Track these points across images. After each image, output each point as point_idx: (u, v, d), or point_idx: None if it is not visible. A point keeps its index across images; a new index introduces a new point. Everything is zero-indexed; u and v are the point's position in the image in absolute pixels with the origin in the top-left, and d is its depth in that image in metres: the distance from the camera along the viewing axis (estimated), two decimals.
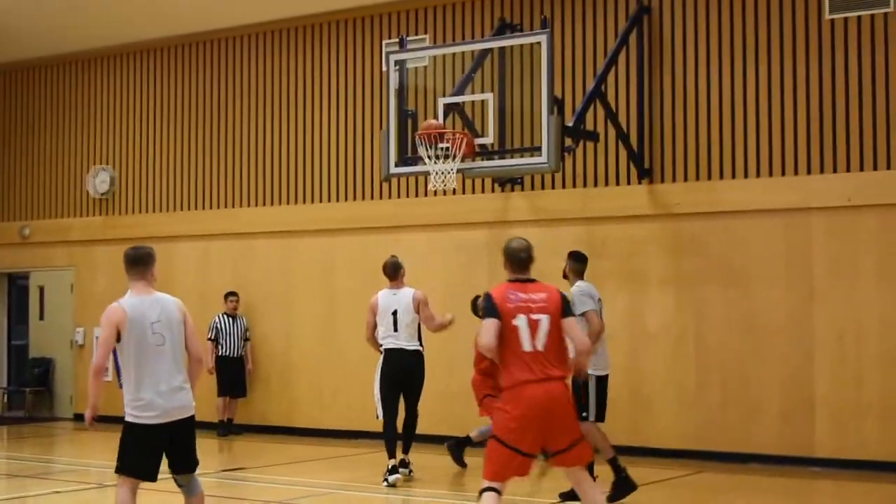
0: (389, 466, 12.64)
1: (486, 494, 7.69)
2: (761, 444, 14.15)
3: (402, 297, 12.91)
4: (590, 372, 11.05)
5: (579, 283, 11.44)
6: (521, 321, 7.81)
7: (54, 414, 20.36)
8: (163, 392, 7.88)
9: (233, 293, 17.86)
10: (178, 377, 7.96)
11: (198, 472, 8.17)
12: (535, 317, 7.85)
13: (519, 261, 8.19)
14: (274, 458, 15.13)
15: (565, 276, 11.67)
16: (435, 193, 15.21)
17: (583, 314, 11.07)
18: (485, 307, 7.93)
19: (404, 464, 12.90)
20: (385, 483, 12.42)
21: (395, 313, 12.85)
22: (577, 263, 11.68)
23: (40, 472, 13.94)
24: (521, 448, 7.72)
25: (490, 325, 7.77)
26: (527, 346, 7.81)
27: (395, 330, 12.82)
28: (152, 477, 7.97)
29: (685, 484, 12.82)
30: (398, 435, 12.87)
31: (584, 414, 11.00)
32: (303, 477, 13.34)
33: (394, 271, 13.09)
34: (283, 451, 15.90)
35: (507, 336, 7.79)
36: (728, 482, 13.05)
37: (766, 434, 14.12)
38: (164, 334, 7.96)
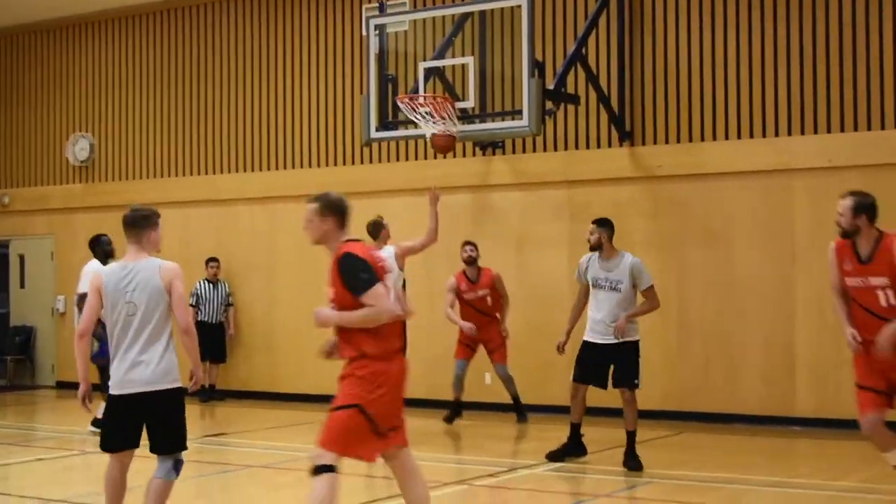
0: None
1: (328, 476, 6.71)
2: (743, 405, 14.22)
3: (385, 258, 12.98)
4: (637, 339, 11.10)
5: (627, 253, 11.26)
6: (389, 282, 7.04)
7: (36, 382, 20.34)
8: (122, 363, 7.55)
9: (213, 259, 17.85)
10: (141, 349, 7.53)
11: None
12: (390, 278, 7.13)
13: (348, 213, 7.15)
14: (256, 423, 15.15)
15: (594, 248, 11.17)
16: (416, 157, 15.21)
17: (648, 288, 11.07)
18: (367, 274, 6.87)
19: None
20: None
21: None
22: (612, 231, 11.23)
23: (23, 440, 13.94)
24: (387, 425, 6.93)
25: (384, 290, 6.84)
26: (397, 311, 6.99)
27: None
28: (112, 448, 7.70)
29: (668, 444, 12.87)
30: None
31: (636, 381, 11.10)
32: (285, 441, 13.37)
33: (374, 230, 13.27)
34: (265, 415, 15.92)
35: None
36: (711, 442, 13.11)
37: (748, 394, 14.18)
38: (136, 304, 7.56)
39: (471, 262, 14.24)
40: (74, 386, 15.07)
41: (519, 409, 14.50)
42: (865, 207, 8.31)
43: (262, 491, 10.00)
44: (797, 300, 13.87)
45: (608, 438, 12.24)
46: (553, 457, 11.40)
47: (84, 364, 7.80)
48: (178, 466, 7.68)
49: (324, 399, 16.86)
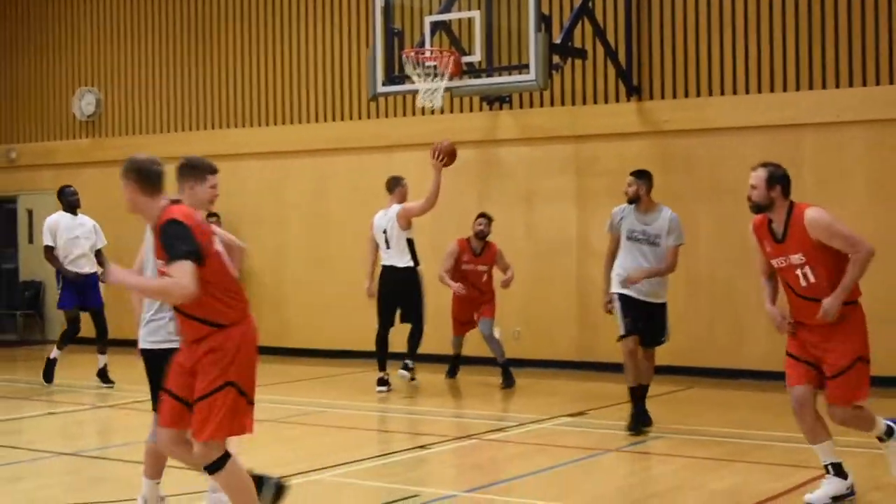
0: (377, 379, 13.53)
1: (229, 465, 6.38)
2: (750, 360, 14.25)
3: (389, 216, 13.41)
4: (666, 301, 10.82)
5: (666, 207, 10.86)
6: (219, 245, 6.44)
7: (45, 336, 20.40)
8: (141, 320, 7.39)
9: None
10: (146, 306, 7.27)
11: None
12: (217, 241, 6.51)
13: (154, 177, 6.43)
14: (266, 378, 15.00)
15: (632, 201, 10.70)
16: (423, 112, 15.22)
17: (676, 247, 10.72)
18: (184, 244, 6.14)
19: (406, 367, 13.62)
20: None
21: (385, 232, 13.33)
22: (651, 184, 10.77)
23: (34, 395, 14.01)
24: (252, 394, 6.49)
25: (190, 269, 6.09)
26: (233, 272, 6.49)
27: (388, 248, 13.38)
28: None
29: (676, 400, 12.92)
30: (387, 350, 13.60)
31: (662, 339, 10.92)
32: (295, 396, 13.42)
33: (390, 185, 13.64)
34: (275, 370, 15.94)
35: (212, 265, 6.28)
36: (718, 397, 13.16)
37: (755, 350, 14.21)
38: (147, 259, 7.28)
39: (482, 236, 13.95)
40: (83, 341, 15.21)
41: (506, 373, 13.97)
42: (779, 178, 7.84)
43: (270, 445, 10.05)
44: None
45: (616, 393, 12.28)
46: (634, 430, 10.63)
47: (137, 318, 7.49)
48: None
49: (334, 354, 17.00)
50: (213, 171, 7.37)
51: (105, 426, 12.33)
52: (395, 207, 13.38)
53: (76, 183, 19.67)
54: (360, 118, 17.19)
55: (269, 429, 11.29)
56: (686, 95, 14.74)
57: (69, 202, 14.43)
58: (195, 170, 7.32)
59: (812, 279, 7.66)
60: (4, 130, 21.09)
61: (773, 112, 14.10)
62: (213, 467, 6.36)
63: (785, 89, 14.14)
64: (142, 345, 7.33)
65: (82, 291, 14.33)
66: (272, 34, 18.06)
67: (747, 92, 14.36)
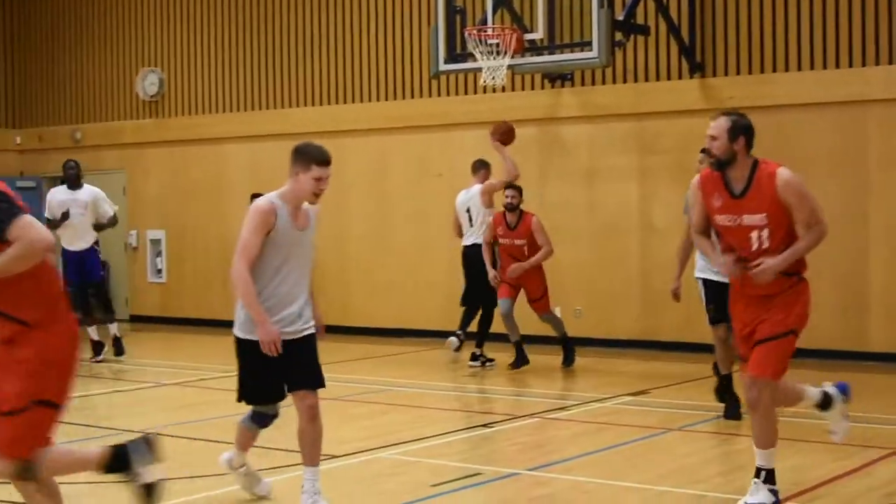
0: (471, 353, 13.92)
1: (44, 461, 5.56)
2: (816, 339, 14.04)
3: (472, 196, 13.76)
4: None
5: None
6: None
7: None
8: None
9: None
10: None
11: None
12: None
13: None
14: (328, 357, 15.07)
15: None
16: (485, 90, 15.17)
17: None
18: (5, 203, 5.24)
19: (474, 357, 13.79)
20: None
21: (468, 211, 13.73)
22: None
23: (99, 373, 14.17)
24: (62, 402, 5.60)
25: (30, 221, 5.25)
26: (51, 237, 5.46)
27: (471, 225, 13.76)
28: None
29: (736, 380, 12.81)
30: (488, 329, 13.94)
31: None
32: (358, 374, 13.48)
33: (474, 168, 14.04)
34: (337, 349, 15.99)
35: None
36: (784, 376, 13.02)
37: (821, 329, 14.02)
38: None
39: (511, 208, 13.56)
40: (148, 319, 15.35)
41: (566, 352, 13.83)
42: (743, 129, 7.05)
43: (335, 423, 10.09)
44: (870, 233, 13.71)
45: (679, 372, 12.23)
46: (730, 415, 10.34)
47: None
48: (250, 415, 7.42)
49: (397, 333, 17.03)
50: (321, 161, 6.82)
51: (168, 404, 12.43)
52: (477, 186, 13.75)
53: (140, 163, 20.01)
54: (421, 96, 17.18)
55: (333, 407, 11.33)
56: (750, 72, 14.59)
57: (67, 175, 14.64)
58: (301, 156, 6.85)
59: (766, 244, 6.95)
60: (69, 111, 21.30)
61: (838, 88, 13.93)
62: (28, 479, 5.60)
63: (851, 65, 13.95)
64: (234, 331, 7.13)
65: (80, 267, 14.41)
66: (334, 13, 18.06)
67: (812, 68, 14.19)
